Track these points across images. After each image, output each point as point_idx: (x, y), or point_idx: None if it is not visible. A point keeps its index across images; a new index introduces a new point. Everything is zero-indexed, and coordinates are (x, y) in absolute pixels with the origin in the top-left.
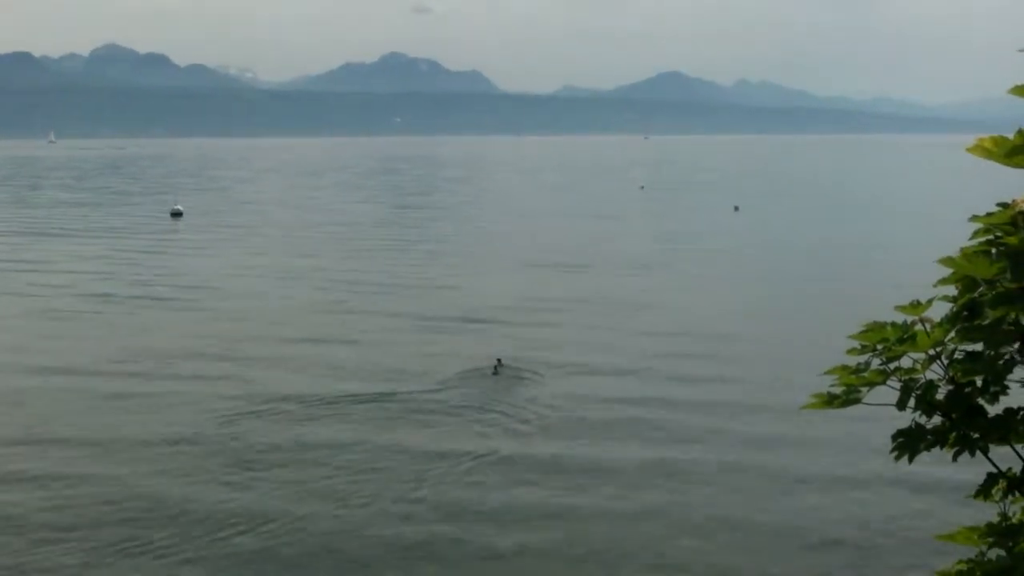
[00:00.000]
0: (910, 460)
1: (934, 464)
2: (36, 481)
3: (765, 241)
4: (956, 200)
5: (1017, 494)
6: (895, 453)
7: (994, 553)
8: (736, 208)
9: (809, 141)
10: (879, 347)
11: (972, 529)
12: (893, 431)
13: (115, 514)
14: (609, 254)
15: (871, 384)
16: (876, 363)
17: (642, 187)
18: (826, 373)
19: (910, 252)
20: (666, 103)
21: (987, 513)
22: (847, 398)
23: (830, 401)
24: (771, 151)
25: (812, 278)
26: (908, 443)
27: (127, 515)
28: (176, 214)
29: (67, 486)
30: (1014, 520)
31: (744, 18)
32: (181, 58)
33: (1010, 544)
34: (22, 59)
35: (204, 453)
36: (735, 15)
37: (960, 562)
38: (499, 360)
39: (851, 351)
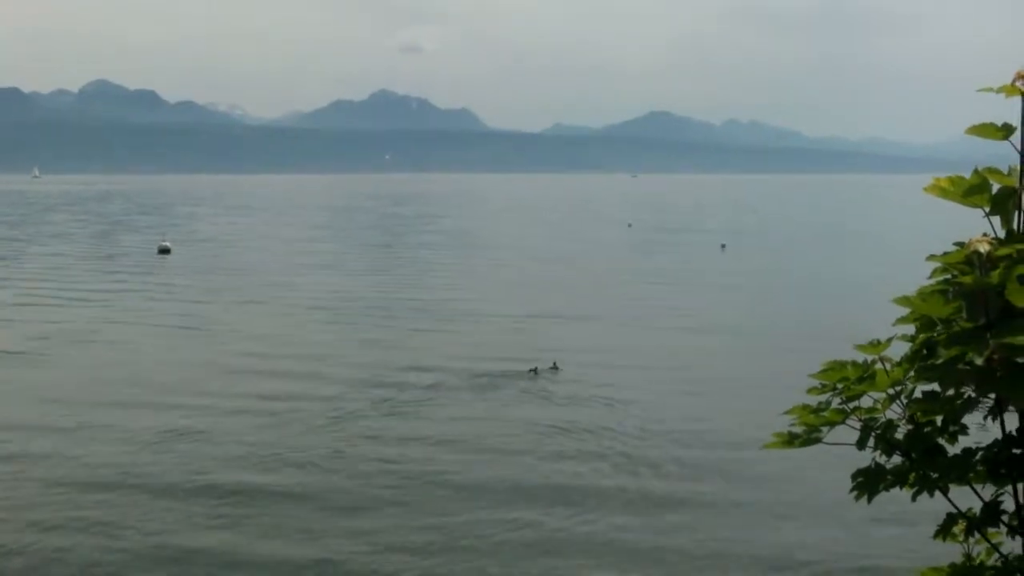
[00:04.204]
0: (869, 500)
1: (901, 501)
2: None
3: (751, 280)
4: (945, 239)
5: (978, 535)
6: (855, 493)
7: None
8: (723, 246)
9: (799, 181)
10: (839, 386)
11: (936, 570)
12: (853, 470)
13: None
14: (593, 292)
15: (831, 423)
16: (836, 402)
17: (630, 225)
18: (786, 413)
19: (895, 291)
20: (655, 142)
21: (953, 552)
22: (807, 437)
23: (791, 440)
24: (760, 190)
25: (797, 317)
26: (867, 483)
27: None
28: (164, 251)
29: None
30: (976, 560)
31: (734, 58)
32: (170, 94)
33: None
34: (11, 95)
35: (191, 496)
36: (725, 55)
37: None
38: (536, 369)
39: (812, 390)
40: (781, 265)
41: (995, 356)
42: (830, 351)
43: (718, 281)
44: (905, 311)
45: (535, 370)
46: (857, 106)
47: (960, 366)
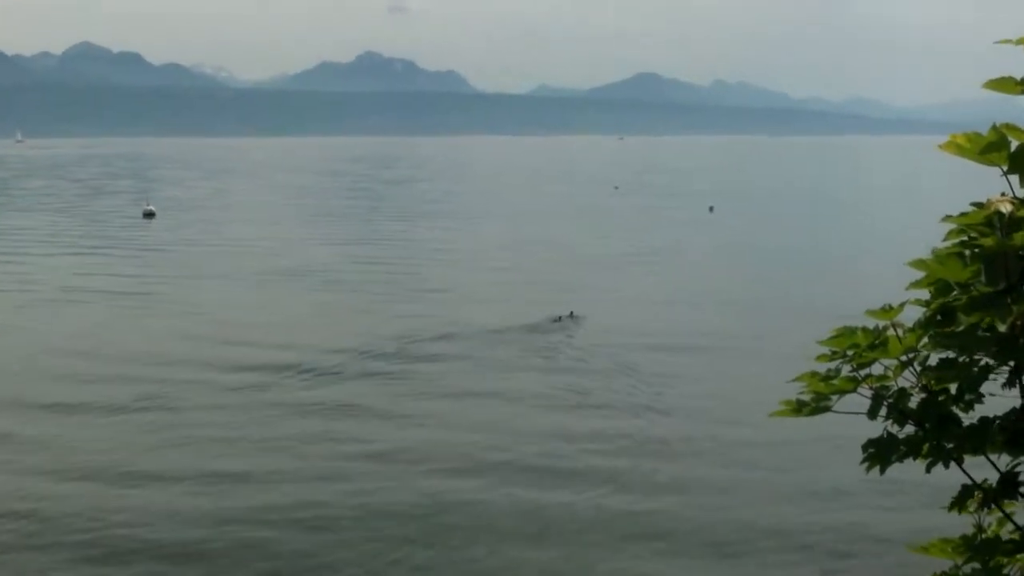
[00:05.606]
0: (881, 471)
1: (911, 471)
2: None
3: (739, 241)
4: (930, 200)
5: (993, 506)
6: (866, 464)
7: (969, 567)
8: (711, 209)
9: (786, 143)
10: (849, 353)
11: (946, 541)
12: (864, 440)
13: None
14: (579, 254)
15: (841, 392)
16: (846, 370)
17: (616, 187)
18: (794, 380)
19: (886, 253)
20: (642, 104)
21: (963, 523)
22: (816, 406)
23: (799, 409)
24: (747, 152)
25: (786, 279)
26: (879, 453)
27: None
28: (148, 215)
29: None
30: (989, 533)
31: (721, 19)
32: (156, 57)
33: (985, 558)
34: None
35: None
36: (711, 16)
37: (934, 575)
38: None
39: (821, 357)
40: (768, 226)
41: (1019, 322)
42: (814, 311)
43: (705, 245)
44: (918, 274)
45: (560, 318)
46: (844, 68)
47: (980, 332)
